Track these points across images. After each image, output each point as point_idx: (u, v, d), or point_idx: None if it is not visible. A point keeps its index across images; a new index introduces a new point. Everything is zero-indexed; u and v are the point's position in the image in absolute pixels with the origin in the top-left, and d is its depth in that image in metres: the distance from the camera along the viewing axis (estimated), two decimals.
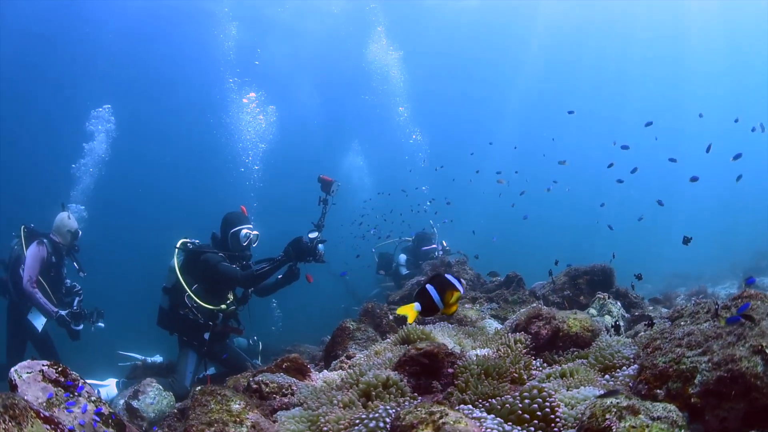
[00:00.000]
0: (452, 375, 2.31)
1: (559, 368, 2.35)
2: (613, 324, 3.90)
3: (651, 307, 4.98)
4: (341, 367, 3.55)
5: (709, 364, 1.90)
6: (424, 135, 18.16)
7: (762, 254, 13.98)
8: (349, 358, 3.62)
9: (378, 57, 18.58)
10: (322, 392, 2.59)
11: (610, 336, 3.64)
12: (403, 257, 10.18)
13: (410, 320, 2.54)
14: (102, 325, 6.64)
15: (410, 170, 12.28)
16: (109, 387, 6.11)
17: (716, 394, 1.85)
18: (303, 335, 8.94)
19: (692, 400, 1.87)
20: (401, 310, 2.55)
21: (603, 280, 5.12)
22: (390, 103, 19.02)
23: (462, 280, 2.56)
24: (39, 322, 6.32)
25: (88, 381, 6.18)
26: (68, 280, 6.89)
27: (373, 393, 2.21)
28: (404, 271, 9.84)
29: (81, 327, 6.41)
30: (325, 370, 3.79)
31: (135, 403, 4.97)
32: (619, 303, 4.25)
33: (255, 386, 3.34)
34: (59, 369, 2.78)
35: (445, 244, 9.86)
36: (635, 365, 2.20)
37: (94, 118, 11.23)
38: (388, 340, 3.58)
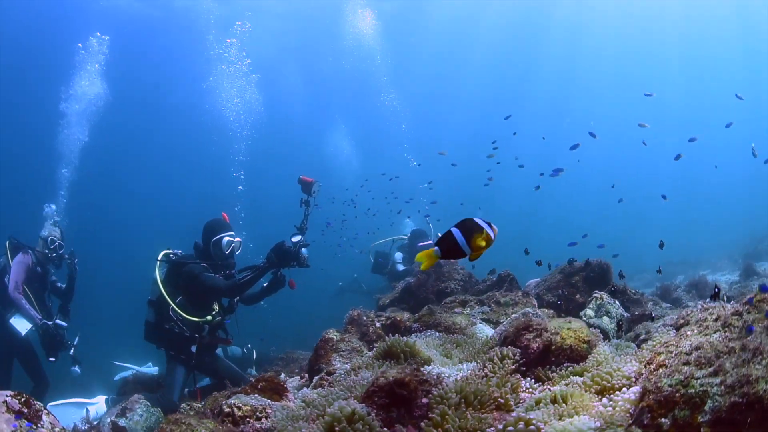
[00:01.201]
0: (427, 406, 2.05)
1: (551, 391, 2.09)
2: (614, 326, 3.65)
3: (651, 304, 4.72)
4: (321, 385, 3.29)
5: (722, 387, 1.63)
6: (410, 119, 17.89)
7: (759, 239, 13.77)
8: (329, 374, 3.36)
9: (357, 24, 18.17)
10: (291, 420, 2.34)
11: (610, 340, 3.39)
12: (399, 255, 9.92)
13: (424, 267, 2.43)
14: (78, 370, 6.52)
15: (383, 173, 12.02)
16: (98, 404, 5.95)
17: (729, 422, 1.59)
18: (304, 339, 8.70)
19: (702, 430, 1.61)
20: (419, 257, 2.42)
21: (600, 276, 4.86)
22: (372, 79, 18.70)
23: (493, 226, 2.34)
24: (22, 327, 6.19)
25: (77, 399, 6.04)
26: (59, 284, 6.82)
27: (337, 429, 1.94)
28: (401, 268, 9.57)
29: (66, 325, 6.35)
30: (305, 388, 3.54)
31: (122, 422, 4.79)
32: (617, 302, 3.97)
33: (227, 410, 3.10)
34: (22, 399, 2.71)
35: None
36: (636, 387, 1.94)
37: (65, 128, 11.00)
38: (369, 354, 3.32)
